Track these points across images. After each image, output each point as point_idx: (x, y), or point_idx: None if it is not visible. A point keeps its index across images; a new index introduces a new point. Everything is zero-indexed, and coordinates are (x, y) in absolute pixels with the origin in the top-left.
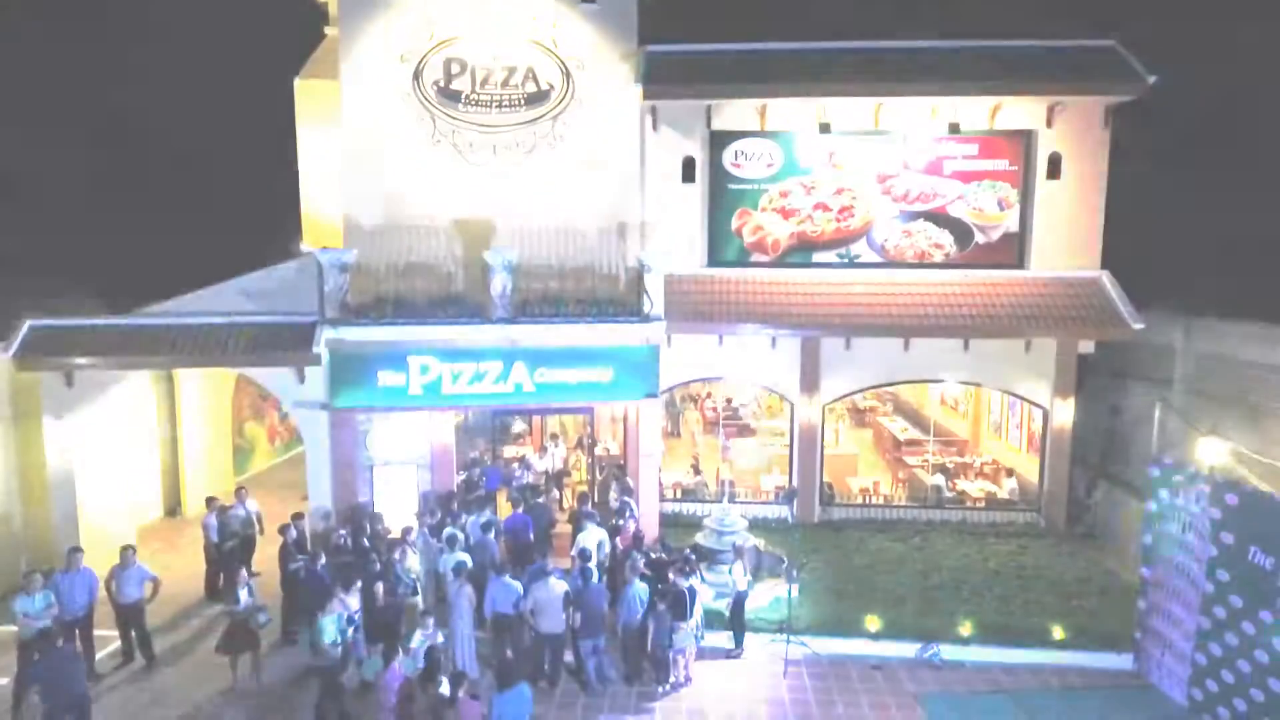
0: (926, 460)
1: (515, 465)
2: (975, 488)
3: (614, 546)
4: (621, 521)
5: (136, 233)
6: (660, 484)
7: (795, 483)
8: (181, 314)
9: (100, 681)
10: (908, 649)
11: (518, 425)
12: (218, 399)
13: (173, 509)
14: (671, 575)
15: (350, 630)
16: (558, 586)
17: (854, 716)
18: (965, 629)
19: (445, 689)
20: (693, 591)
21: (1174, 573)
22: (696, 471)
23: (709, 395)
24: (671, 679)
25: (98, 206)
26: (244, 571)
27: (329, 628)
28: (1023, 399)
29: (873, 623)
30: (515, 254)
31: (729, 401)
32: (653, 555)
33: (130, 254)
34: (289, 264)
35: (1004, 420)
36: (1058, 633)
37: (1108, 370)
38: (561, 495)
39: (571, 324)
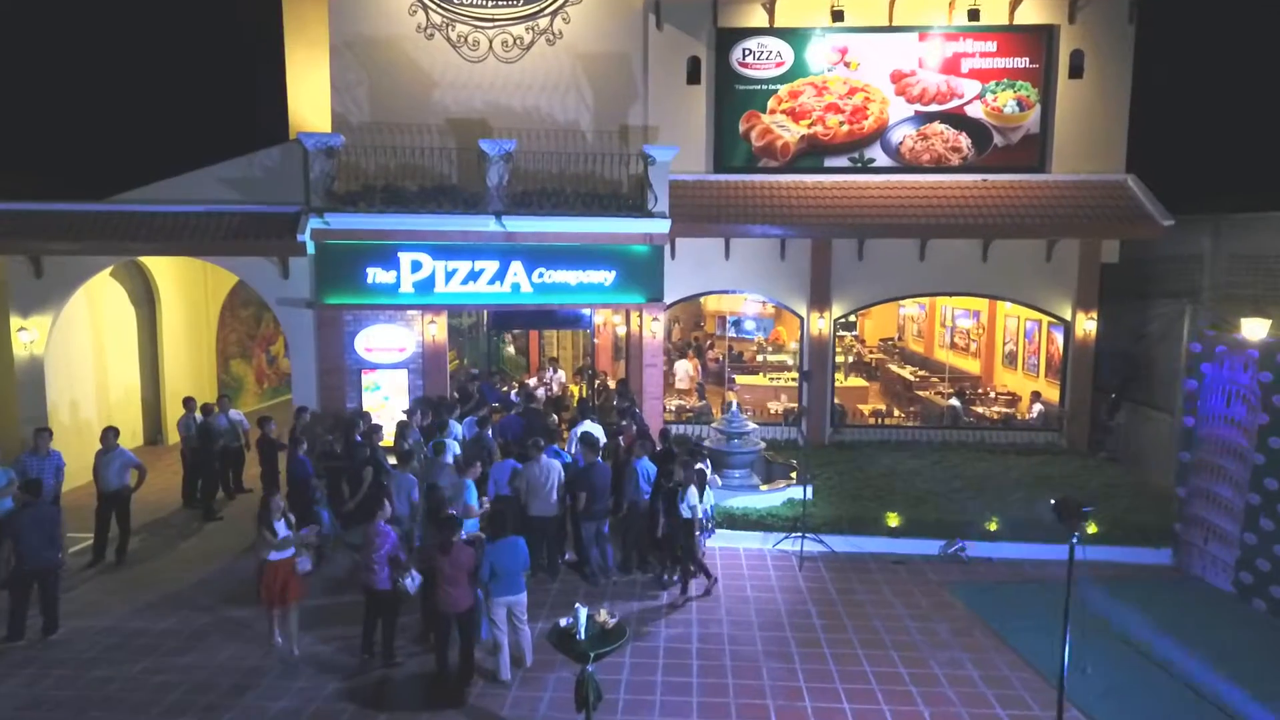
0: (940, 393)
1: (513, 389)
2: (993, 410)
3: (616, 445)
4: (625, 422)
5: (112, 126)
6: (663, 405)
7: (808, 367)
8: (158, 201)
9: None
10: (930, 546)
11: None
12: (202, 328)
13: (154, 438)
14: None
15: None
16: (550, 464)
17: (877, 602)
18: (991, 526)
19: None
20: (702, 474)
21: (1219, 452)
22: (701, 397)
23: (712, 346)
24: (679, 568)
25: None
26: (277, 497)
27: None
28: (1044, 312)
29: (893, 520)
30: (512, 143)
31: (730, 349)
32: (657, 447)
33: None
34: (271, 150)
35: (1019, 349)
36: (1090, 527)
37: (1129, 290)
38: (561, 422)
39: (571, 218)
